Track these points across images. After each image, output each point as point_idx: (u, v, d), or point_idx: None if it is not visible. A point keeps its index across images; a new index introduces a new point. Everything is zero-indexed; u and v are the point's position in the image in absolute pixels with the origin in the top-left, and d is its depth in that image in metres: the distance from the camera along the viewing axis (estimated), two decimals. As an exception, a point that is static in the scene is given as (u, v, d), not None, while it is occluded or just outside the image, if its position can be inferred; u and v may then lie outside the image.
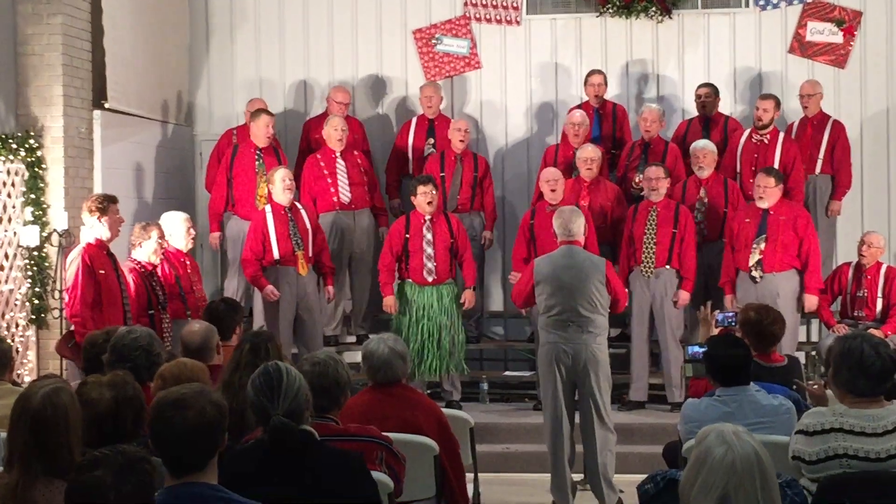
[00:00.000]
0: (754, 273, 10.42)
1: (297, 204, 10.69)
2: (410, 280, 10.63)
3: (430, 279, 10.58)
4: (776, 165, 11.00)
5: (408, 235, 10.59)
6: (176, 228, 10.05)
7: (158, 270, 9.64)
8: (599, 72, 12.07)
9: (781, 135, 11.33)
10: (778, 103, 11.44)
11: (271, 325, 10.47)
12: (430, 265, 10.58)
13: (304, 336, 10.64)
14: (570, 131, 11.53)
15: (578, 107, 12.03)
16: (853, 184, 11.96)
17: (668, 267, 10.63)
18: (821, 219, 11.49)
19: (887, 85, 12.41)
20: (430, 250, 10.58)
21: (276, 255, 10.41)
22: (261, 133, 11.36)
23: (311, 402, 4.76)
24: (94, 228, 8.95)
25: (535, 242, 10.64)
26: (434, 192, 10.55)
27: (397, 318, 10.65)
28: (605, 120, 11.96)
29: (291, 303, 10.52)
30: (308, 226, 10.59)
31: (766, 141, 11.27)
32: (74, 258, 8.84)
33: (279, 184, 10.44)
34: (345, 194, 11.46)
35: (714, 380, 6.21)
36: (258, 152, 11.38)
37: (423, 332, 10.49)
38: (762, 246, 10.41)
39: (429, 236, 10.58)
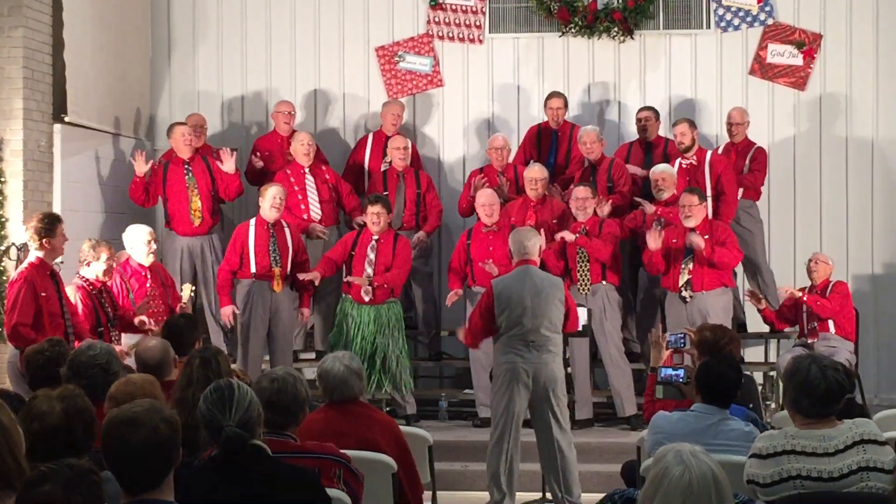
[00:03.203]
0: (684, 293, 10.49)
1: (283, 222, 10.73)
2: (350, 297, 10.70)
3: (366, 298, 10.62)
4: (708, 186, 11.11)
5: (353, 252, 10.66)
6: (137, 242, 10.03)
7: (113, 287, 9.63)
8: (560, 95, 12.09)
9: (708, 154, 11.41)
10: (692, 125, 11.47)
11: (243, 340, 10.50)
12: (366, 284, 10.62)
13: (274, 352, 10.66)
14: (494, 155, 11.66)
15: (538, 126, 12.12)
16: (812, 206, 12.14)
17: (604, 282, 10.70)
18: (751, 241, 11.62)
19: (846, 107, 12.49)
20: (369, 270, 10.61)
21: (252, 268, 10.49)
22: (180, 144, 11.37)
23: (262, 417, 4.75)
24: (38, 249, 8.91)
25: (472, 264, 10.79)
26: (382, 212, 10.62)
27: (333, 334, 10.71)
28: (563, 141, 11.98)
29: (264, 318, 10.58)
30: (289, 244, 10.63)
31: (694, 163, 11.32)
32: (16, 279, 8.81)
33: (269, 200, 10.51)
34: (315, 212, 11.51)
35: (699, 393, 6.21)
36: (186, 166, 11.36)
37: (356, 350, 10.46)
38: (690, 266, 10.48)
39: (371, 256, 10.65)
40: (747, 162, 11.71)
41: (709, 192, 11.02)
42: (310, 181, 11.51)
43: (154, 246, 10.20)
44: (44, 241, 8.88)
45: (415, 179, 11.75)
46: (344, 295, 10.83)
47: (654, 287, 11.15)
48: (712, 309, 10.42)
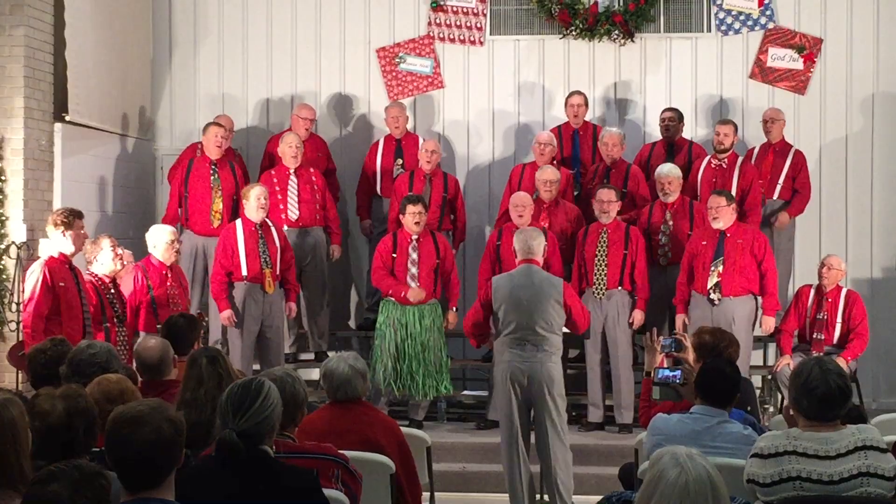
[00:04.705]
0: (713, 296, 10.42)
1: (268, 221, 10.67)
2: (393, 299, 10.58)
3: (418, 298, 10.54)
4: (734, 189, 11.09)
5: (395, 255, 10.56)
6: (160, 241, 9.99)
7: (130, 282, 9.63)
8: (580, 93, 12.09)
9: (740, 159, 11.40)
10: (736, 128, 11.53)
11: (235, 341, 10.48)
12: (413, 285, 10.53)
13: (267, 353, 10.64)
14: (536, 150, 11.55)
15: (558, 128, 12.08)
16: (812, 208, 12.08)
17: (619, 289, 10.65)
18: (778, 244, 11.54)
19: (846, 111, 12.51)
20: (414, 270, 10.54)
21: (244, 272, 10.42)
22: (211, 144, 11.32)
23: (276, 429, 4.77)
24: (57, 242, 8.92)
25: (501, 263, 10.64)
26: (422, 211, 10.52)
27: (379, 334, 10.61)
28: (585, 141, 11.96)
29: (257, 320, 10.54)
30: (277, 243, 10.59)
31: (724, 165, 11.34)
32: (34, 270, 8.82)
33: (254, 201, 10.43)
34: (293, 211, 11.42)
35: (699, 393, 6.21)
36: (213, 166, 11.32)
37: (406, 351, 10.44)
38: (720, 268, 10.44)
39: (414, 256, 10.55)
40: (787, 164, 11.66)
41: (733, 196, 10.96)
42: (292, 182, 11.41)
43: (178, 245, 10.18)
44: (64, 233, 8.90)
45: (442, 183, 11.65)
46: (385, 298, 10.67)
47: (662, 289, 11.05)
48: (738, 315, 10.39)
